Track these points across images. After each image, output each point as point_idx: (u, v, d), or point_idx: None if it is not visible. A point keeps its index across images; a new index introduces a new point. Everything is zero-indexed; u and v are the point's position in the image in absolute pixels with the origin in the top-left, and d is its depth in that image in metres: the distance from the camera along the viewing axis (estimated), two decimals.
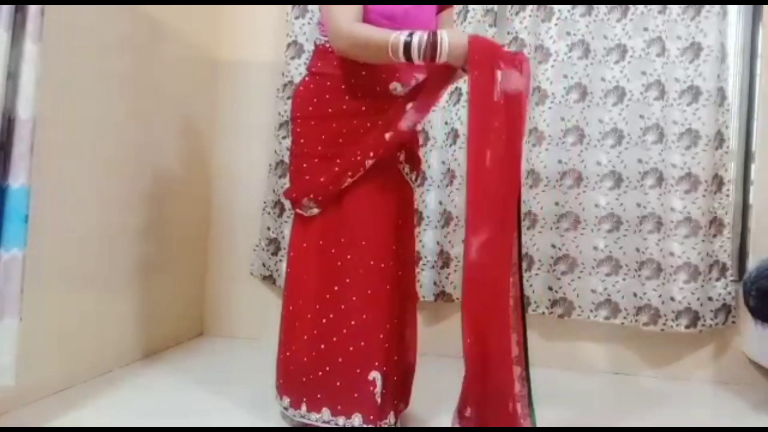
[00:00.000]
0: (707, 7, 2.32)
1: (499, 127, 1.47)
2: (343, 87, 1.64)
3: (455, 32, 1.53)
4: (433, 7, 1.73)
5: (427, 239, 2.53)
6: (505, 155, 1.49)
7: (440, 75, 1.63)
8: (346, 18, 1.54)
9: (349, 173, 1.63)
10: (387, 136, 1.62)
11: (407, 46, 1.48)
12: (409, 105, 1.62)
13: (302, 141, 1.68)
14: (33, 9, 1.48)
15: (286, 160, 2.63)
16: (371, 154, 1.62)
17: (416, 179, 1.81)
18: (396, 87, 1.65)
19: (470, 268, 1.47)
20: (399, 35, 1.49)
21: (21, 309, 1.50)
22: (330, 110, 1.65)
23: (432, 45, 1.48)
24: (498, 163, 1.48)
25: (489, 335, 1.48)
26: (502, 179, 1.49)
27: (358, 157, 1.62)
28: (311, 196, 1.65)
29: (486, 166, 1.48)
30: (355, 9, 1.55)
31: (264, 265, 2.71)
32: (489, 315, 1.49)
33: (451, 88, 2.45)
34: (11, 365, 1.49)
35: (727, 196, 2.35)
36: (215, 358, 2.49)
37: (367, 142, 1.62)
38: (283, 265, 2.62)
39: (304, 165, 1.67)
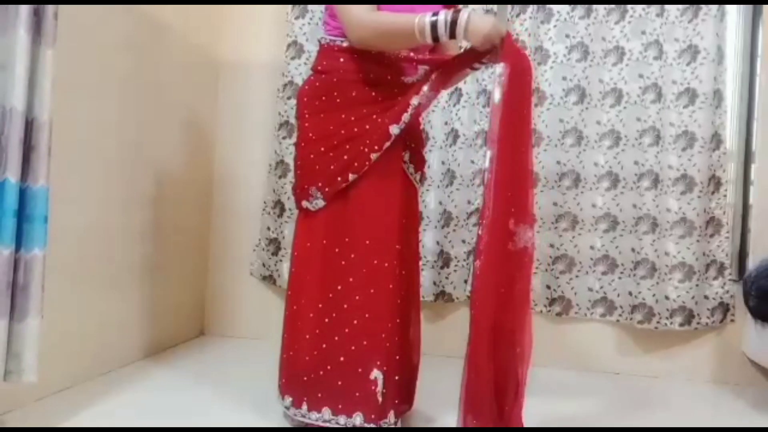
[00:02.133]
0: (705, 9, 2.33)
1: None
2: (351, 80, 1.66)
3: (477, 14, 1.54)
4: (438, 7, 1.74)
5: (427, 239, 2.53)
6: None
7: (458, 59, 1.65)
8: (365, 8, 1.57)
9: (355, 164, 1.63)
10: (392, 129, 1.63)
11: (434, 24, 1.50)
12: (416, 98, 1.63)
13: (311, 135, 1.68)
14: (49, 13, 1.50)
15: (286, 160, 2.65)
16: (376, 147, 1.63)
17: (420, 179, 1.81)
18: (408, 80, 1.66)
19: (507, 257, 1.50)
20: (423, 16, 1.52)
21: (42, 308, 1.53)
22: (338, 101, 1.66)
23: (453, 21, 1.50)
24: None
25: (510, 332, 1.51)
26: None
27: (365, 150, 1.63)
28: (319, 184, 1.65)
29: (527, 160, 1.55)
30: (371, 5, 1.59)
31: (264, 265, 2.72)
32: (508, 310, 1.51)
33: (451, 88, 2.46)
34: (34, 362, 1.52)
35: (725, 196, 2.35)
36: (216, 358, 2.49)
37: (372, 135, 1.63)
38: (283, 265, 2.63)
39: (312, 156, 1.67)
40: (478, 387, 1.49)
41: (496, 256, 1.50)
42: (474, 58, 1.62)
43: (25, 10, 1.44)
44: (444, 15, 1.50)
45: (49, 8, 1.51)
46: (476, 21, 1.50)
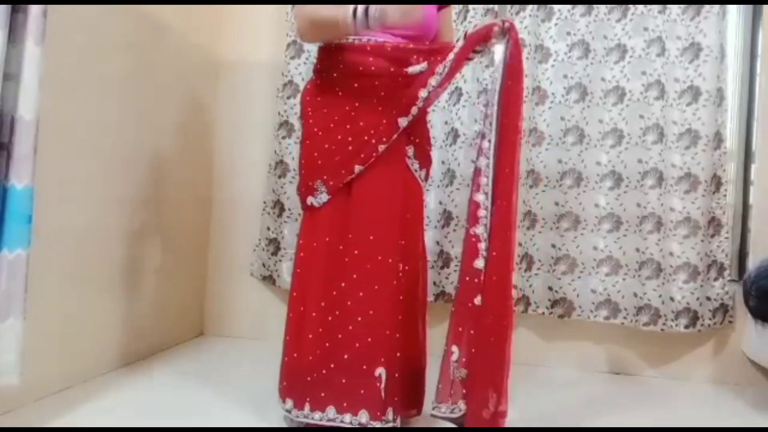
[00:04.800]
0: (707, 7, 2.32)
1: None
2: (352, 74, 1.66)
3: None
4: (433, 6, 1.74)
5: (427, 239, 2.49)
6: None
7: (460, 51, 1.66)
8: (308, 6, 1.61)
9: (362, 155, 1.64)
10: (401, 121, 1.64)
11: (354, 12, 1.56)
12: (424, 91, 1.64)
13: (315, 130, 1.69)
14: (35, 10, 1.48)
15: (286, 159, 2.65)
16: (384, 138, 1.64)
17: (426, 177, 1.81)
18: (411, 70, 1.66)
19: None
20: (348, 7, 1.57)
21: (25, 309, 1.51)
22: (341, 94, 1.67)
23: (365, 9, 1.56)
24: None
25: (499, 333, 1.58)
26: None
27: (372, 141, 1.63)
28: (324, 177, 1.66)
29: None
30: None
31: (264, 265, 2.71)
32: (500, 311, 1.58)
33: (450, 88, 2.46)
34: (16, 363, 1.50)
35: (725, 196, 2.35)
36: (215, 358, 2.49)
37: (378, 126, 1.64)
38: (283, 266, 2.62)
39: (316, 154, 1.68)
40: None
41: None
42: (473, 43, 1.64)
43: (2, 7, 1.41)
44: (363, 7, 1.56)
45: (36, 6, 1.48)
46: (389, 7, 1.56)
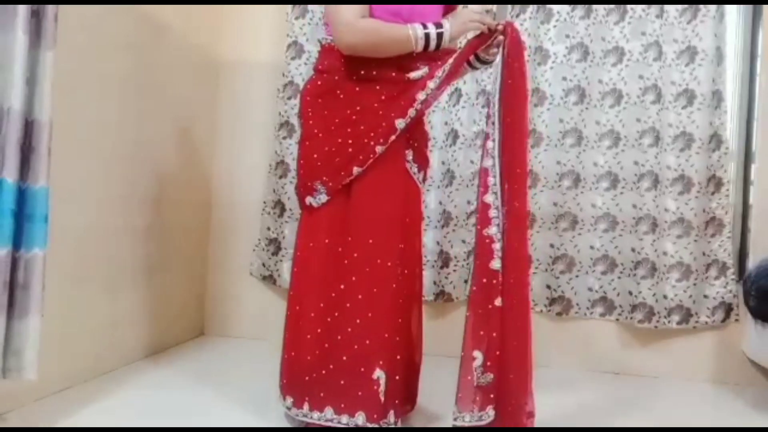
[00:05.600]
0: (704, 10, 2.33)
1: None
2: (354, 78, 1.67)
3: (455, 19, 1.63)
4: (438, 7, 1.75)
5: (427, 239, 2.53)
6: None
7: (461, 54, 1.68)
8: (355, 14, 1.59)
9: (360, 156, 1.64)
10: (398, 123, 1.64)
11: (427, 36, 1.59)
12: (422, 94, 1.64)
13: (315, 131, 1.69)
14: (49, 15, 1.51)
15: (287, 160, 2.65)
16: (381, 140, 1.64)
17: (423, 179, 1.82)
18: (413, 75, 1.67)
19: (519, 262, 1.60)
20: (415, 26, 1.59)
21: (42, 306, 1.54)
22: (342, 97, 1.67)
23: (439, 34, 1.60)
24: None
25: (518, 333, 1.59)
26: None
27: (370, 142, 1.64)
28: (324, 179, 1.66)
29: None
30: (362, 7, 1.60)
31: (264, 265, 2.71)
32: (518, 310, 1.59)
33: (450, 88, 2.47)
34: (34, 360, 1.53)
35: (726, 196, 2.35)
36: (216, 358, 2.49)
37: (377, 128, 1.64)
38: (283, 266, 2.62)
39: (315, 155, 1.68)
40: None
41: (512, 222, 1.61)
42: (474, 47, 1.67)
43: (23, 11, 1.44)
44: (432, 28, 1.60)
45: (50, 10, 1.51)
46: (456, 27, 1.62)
